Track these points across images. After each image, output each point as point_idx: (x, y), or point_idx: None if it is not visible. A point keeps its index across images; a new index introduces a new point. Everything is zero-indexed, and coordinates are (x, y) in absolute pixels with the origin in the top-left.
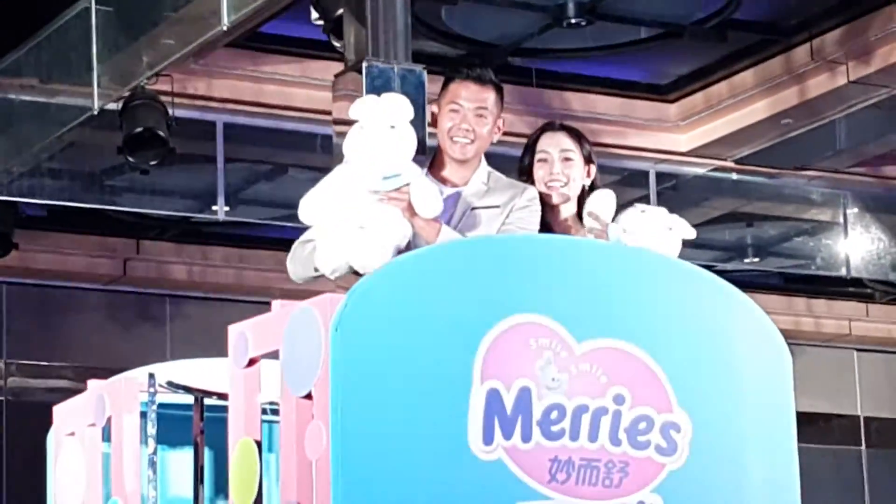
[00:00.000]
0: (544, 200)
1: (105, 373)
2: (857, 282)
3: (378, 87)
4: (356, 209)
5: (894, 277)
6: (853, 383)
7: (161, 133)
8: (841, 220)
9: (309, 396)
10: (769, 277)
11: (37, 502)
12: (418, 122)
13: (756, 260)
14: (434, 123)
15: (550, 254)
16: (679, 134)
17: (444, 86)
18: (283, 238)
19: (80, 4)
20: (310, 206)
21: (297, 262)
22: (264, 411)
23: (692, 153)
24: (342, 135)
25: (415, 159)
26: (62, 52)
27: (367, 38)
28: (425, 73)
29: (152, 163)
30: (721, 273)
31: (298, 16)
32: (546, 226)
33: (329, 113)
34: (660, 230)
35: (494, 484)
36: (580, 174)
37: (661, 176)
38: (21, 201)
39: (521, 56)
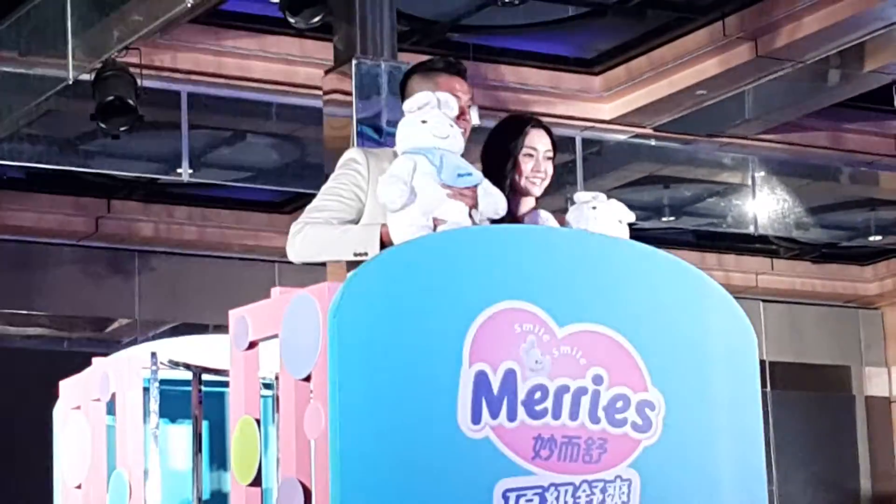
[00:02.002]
0: (520, 191)
1: (79, 321)
2: (764, 239)
3: (366, 83)
4: (432, 200)
5: (797, 235)
6: (759, 332)
7: (130, 102)
8: (749, 182)
9: (307, 378)
10: (684, 235)
11: (9, 437)
12: None
13: (672, 219)
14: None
15: (534, 243)
16: (603, 104)
17: (430, 76)
18: (242, 199)
19: None
20: (393, 194)
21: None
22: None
23: (615, 121)
24: (336, 126)
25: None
26: (39, 27)
27: (356, 37)
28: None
29: (122, 129)
30: (640, 231)
31: None
32: (511, 214)
33: (285, 84)
34: (612, 223)
35: (482, 461)
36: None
37: (586, 142)
38: (1, 164)
39: (459, 32)
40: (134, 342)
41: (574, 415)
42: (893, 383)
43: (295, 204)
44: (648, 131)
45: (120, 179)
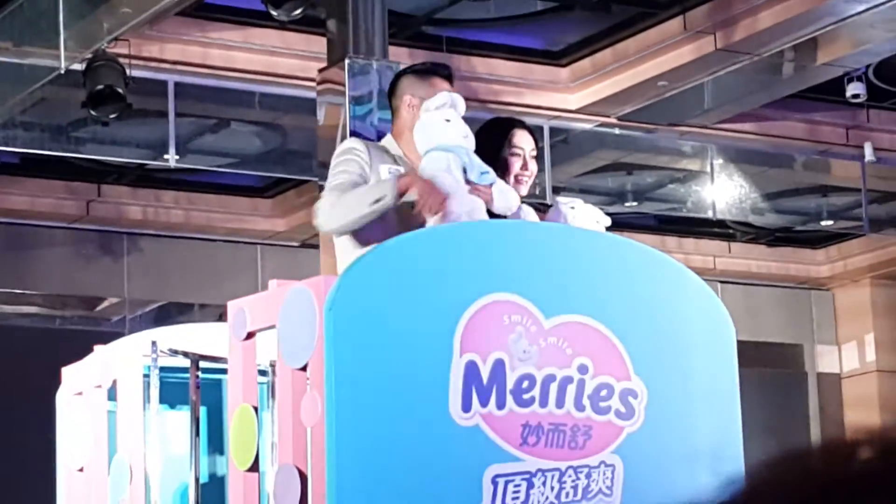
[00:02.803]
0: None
1: (70, 299)
2: (721, 223)
3: (358, 81)
4: (464, 196)
5: (753, 219)
6: None
7: (120, 90)
8: (708, 169)
9: (304, 368)
10: (646, 219)
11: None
12: None
13: (635, 204)
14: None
15: (522, 238)
16: (570, 94)
17: (425, 78)
18: (226, 184)
19: None
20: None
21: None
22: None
23: (581, 111)
24: (329, 126)
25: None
26: (33, 18)
27: (348, 35)
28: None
29: (112, 116)
30: (605, 215)
31: None
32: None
33: (267, 74)
34: (590, 224)
35: (472, 447)
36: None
37: (554, 130)
38: None
39: (433, 25)
40: (122, 320)
41: (560, 403)
42: (843, 360)
43: (277, 189)
44: (613, 120)
45: (110, 165)
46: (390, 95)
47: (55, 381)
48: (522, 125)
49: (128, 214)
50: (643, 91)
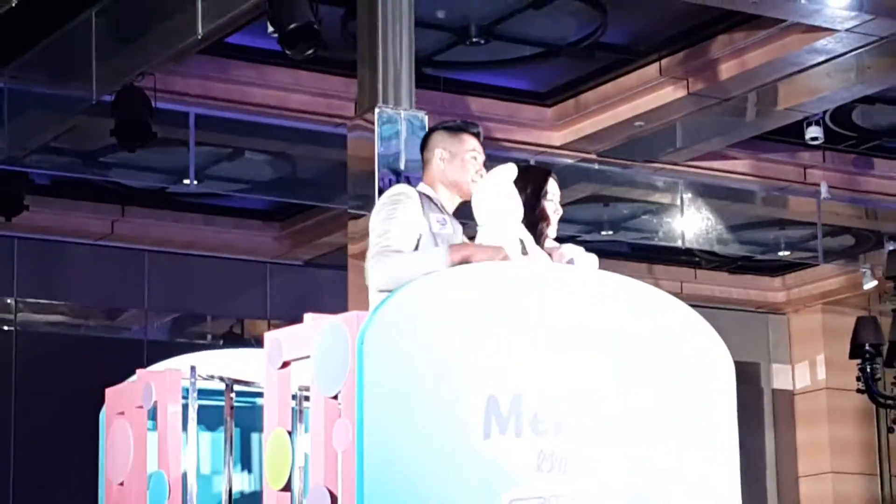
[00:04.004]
0: (544, 232)
1: (94, 311)
2: (689, 252)
3: (387, 131)
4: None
5: (717, 248)
6: None
7: (145, 120)
8: (678, 202)
9: (335, 397)
10: (621, 247)
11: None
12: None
13: (611, 233)
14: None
15: (541, 280)
16: (554, 132)
17: (456, 135)
18: (240, 207)
19: (83, 16)
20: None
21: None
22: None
23: (564, 147)
24: (358, 174)
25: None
26: (68, 53)
27: (378, 86)
28: (426, 117)
29: (137, 144)
30: (582, 243)
31: (257, 29)
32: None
33: (280, 108)
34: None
35: (491, 473)
36: None
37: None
38: (32, 171)
39: (432, 67)
40: (142, 329)
41: (572, 433)
42: (796, 378)
43: (285, 213)
44: (593, 157)
45: (133, 188)
46: (422, 148)
47: (79, 384)
48: (553, 174)
49: (149, 233)
50: (621, 130)
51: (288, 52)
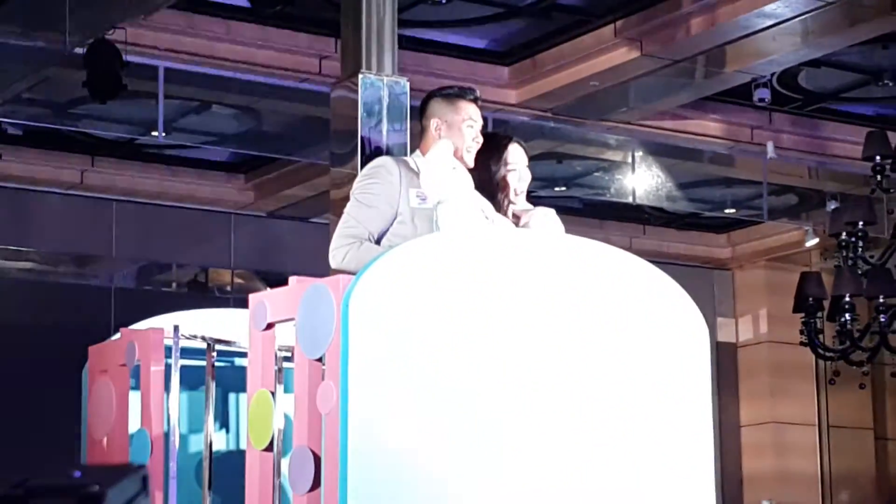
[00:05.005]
0: (510, 200)
1: (64, 257)
2: (639, 208)
3: (369, 95)
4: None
5: (667, 206)
6: None
7: (116, 73)
8: (630, 160)
9: (320, 359)
10: (573, 202)
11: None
12: (403, 126)
13: (564, 189)
14: (431, 129)
15: (523, 247)
16: (511, 90)
17: (453, 102)
18: (205, 159)
19: None
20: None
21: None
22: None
23: (520, 105)
24: (340, 132)
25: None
26: (42, 7)
27: (361, 52)
28: (408, 84)
29: (108, 96)
30: (536, 199)
31: None
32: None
33: (247, 63)
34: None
35: (477, 432)
36: None
37: (496, 122)
38: (5, 121)
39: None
40: (110, 278)
41: (550, 397)
42: (739, 332)
43: (250, 165)
44: (547, 115)
45: (103, 139)
46: (420, 115)
47: (50, 332)
48: (517, 140)
49: (117, 183)
50: (575, 89)
51: (256, 7)
